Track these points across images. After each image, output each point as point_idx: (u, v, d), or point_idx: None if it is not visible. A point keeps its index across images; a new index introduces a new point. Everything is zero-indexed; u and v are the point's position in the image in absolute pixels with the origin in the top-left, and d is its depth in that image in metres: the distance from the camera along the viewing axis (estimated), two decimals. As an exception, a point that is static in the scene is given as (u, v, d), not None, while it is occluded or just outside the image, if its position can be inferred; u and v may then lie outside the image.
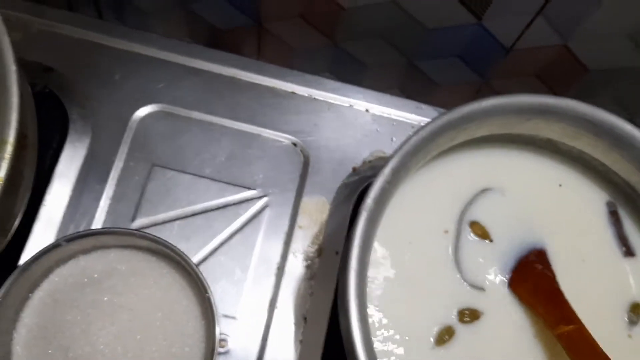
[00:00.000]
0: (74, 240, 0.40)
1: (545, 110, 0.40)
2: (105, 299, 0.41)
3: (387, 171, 0.36)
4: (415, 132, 0.37)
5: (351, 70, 0.64)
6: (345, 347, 0.35)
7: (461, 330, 0.39)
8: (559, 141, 0.43)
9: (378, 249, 0.40)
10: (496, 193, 0.43)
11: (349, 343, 0.33)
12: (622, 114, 0.40)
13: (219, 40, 0.64)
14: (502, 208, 0.42)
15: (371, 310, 0.39)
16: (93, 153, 0.48)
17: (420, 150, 0.37)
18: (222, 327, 0.45)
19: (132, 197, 0.47)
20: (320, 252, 0.47)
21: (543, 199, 0.43)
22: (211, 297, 0.39)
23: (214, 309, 0.39)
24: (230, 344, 0.45)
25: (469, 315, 0.40)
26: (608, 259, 0.42)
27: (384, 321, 0.39)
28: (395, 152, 0.36)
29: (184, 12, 0.61)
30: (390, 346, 0.38)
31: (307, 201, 0.49)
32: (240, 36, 0.62)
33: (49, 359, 0.39)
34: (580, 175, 0.45)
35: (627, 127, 0.40)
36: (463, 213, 0.42)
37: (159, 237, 0.40)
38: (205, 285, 0.40)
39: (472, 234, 0.42)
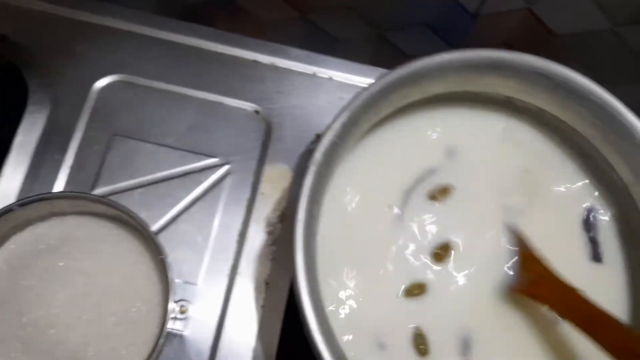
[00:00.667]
0: (28, 205, 0.39)
1: (499, 65, 0.39)
2: (61, 264, 0.40)
3: (336, 126, 0.35)
4: (366, 88, 0.36)
5: (322, 45, 0.63)
6: (298, 306, 0.35)
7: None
8: (516, 98, 0.42)
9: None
10: (454, 152, 0.42)
11: (299, 301, 0.33)
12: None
13: (190, 17, 0.64)
14: (460, 167, 0.42)
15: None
16: (52, 124, 0.47)
17: (371, 106, 0.37)
18: (183, 293, 0.45)
19: (92, 166, 0.47)
20: (282, 218, 0.47)
21: (502, 156, 0.43)
22: (165, 260, 0.39)
23: (169, 271, 0.39)
24: (192, 310, 0.45)
25: (418, 289, 0.40)
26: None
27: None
28: (345, 107, 0.36)
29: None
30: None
31: (269, 168, 0.49)
32: (212, 11, 0.62)
33: (3, 324, 0.39)
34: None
35: (581, 79, 0.39)
36: (420, 173, 0.42)
37: (111, 200, 0.40)
38: (160, 247, 0.39)
39: (427, 195, 0.41)
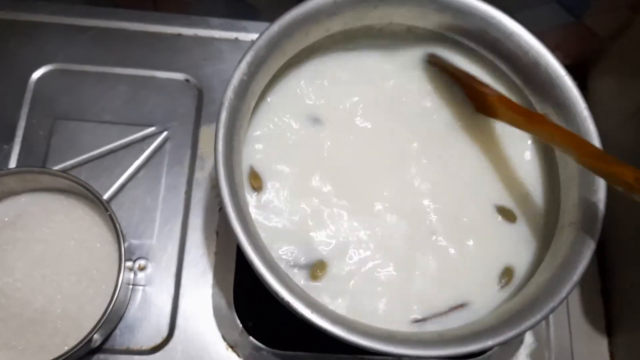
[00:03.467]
0: (-23, 186, 0.43)
1: (387, -6, 0.43)
2: (20, 235, 0.44)
3: (242, 65, 0.39)
4: (266, 28, 0.40)
5: (247, 17, 0.67)
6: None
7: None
8: (413, 25, 0.46)
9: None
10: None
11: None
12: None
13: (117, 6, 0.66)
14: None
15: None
16: (-4, 117, 0.51)
17: (275, 46, 0.41)
18: (140, 252, 0.48)
19: (39, 150, 0.50)
20: (223, 171, 0.51)
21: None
22: (112, 214, 0.43)
23: (117, 224, 0.42)
24: (151, 266, 0.48)
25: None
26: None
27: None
28: (249, 47, 0.40)
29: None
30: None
31: (205, 129, 0.52)
32: (136, 0, 0.65)
33: (-29, 296, 0.42)
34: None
35: (462, -3, 0.43)
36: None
37: (54, 170, 0.43)
38: (105, 204, 0.43)
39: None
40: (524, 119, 0.41)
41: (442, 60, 0.46)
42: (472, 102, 0.46)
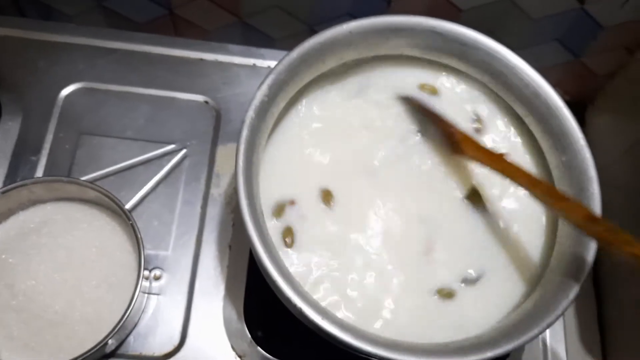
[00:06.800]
0: (9, 192, 0.45)
1: (399, 28, 0.47)
2: (44, 241, 0.46)
3: (263, 87, 0.42)
4: (285, 55, 0.43)
5: (263, 46, 0.70)
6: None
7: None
8: (422, 57, 0.49)
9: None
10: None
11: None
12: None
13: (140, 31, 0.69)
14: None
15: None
16: (26, 130, 0.54)
17: (293, 72, 0.44)
18: (156, 262, 0.51)
19: (64, 163, 0.53)
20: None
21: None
22: (134, 224, 0.45)
23: (138, 233, 0.45)
24: (166, 276, 0.50)
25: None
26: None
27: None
28: (269, 72, 0.43)
29: (102, 11, 0.67)
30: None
31: (222, 148, 0.55)
32: (157, 26, 0.68)
33: (-4, 296, 0.44)
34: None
35: (469, 32, 0.47)
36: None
37: (82, 180, 0.46)
38: (128, 214, 0.45)
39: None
40: (486, 156, 0.45)
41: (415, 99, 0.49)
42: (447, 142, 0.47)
